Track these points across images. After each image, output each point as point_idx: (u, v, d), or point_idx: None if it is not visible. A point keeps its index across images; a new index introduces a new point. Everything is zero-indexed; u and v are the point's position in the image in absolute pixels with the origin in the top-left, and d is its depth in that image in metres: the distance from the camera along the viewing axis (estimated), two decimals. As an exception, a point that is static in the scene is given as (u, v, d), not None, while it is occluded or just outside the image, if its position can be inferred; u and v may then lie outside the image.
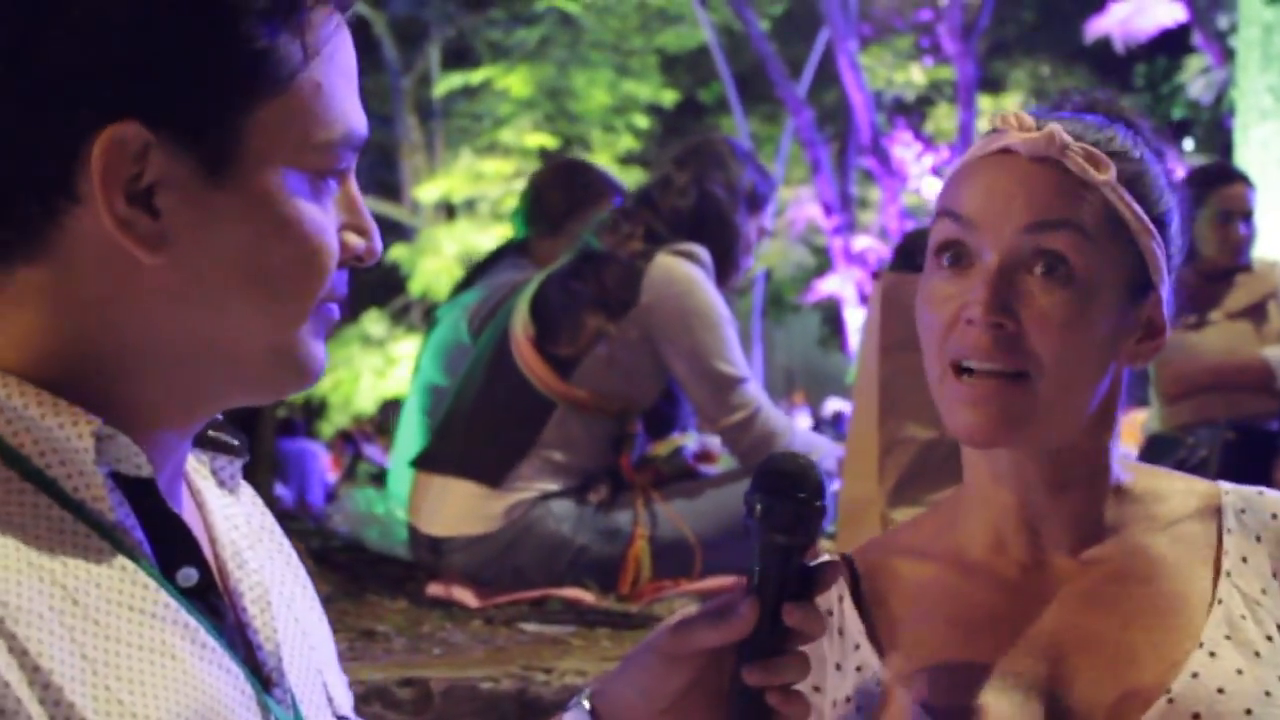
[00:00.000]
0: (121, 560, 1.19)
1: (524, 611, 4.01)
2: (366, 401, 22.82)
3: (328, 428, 22.39)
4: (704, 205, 4.45)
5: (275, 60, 1.21)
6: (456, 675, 3.18)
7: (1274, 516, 1.71)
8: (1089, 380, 1.65)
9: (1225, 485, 1.76)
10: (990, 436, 1.64)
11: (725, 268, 4.49)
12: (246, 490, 1.46)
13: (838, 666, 1.75)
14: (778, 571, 1.47)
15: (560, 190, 5.10)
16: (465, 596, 4.12)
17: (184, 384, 1.25)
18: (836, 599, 1.77)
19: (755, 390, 4.37)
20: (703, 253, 4.38)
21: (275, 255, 1.23)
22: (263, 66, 1.21)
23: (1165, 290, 1.71)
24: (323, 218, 1.26)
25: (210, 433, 1.39)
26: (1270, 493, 1.75)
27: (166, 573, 1.24)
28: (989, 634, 1.68)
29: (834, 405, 18.44)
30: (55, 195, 1.18)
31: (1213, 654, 1.61)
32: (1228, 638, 1.62)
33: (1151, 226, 1.67)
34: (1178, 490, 1.76)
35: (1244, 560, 1.68)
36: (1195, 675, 1.59)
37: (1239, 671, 1.59)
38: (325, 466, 14.13)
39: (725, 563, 4.18)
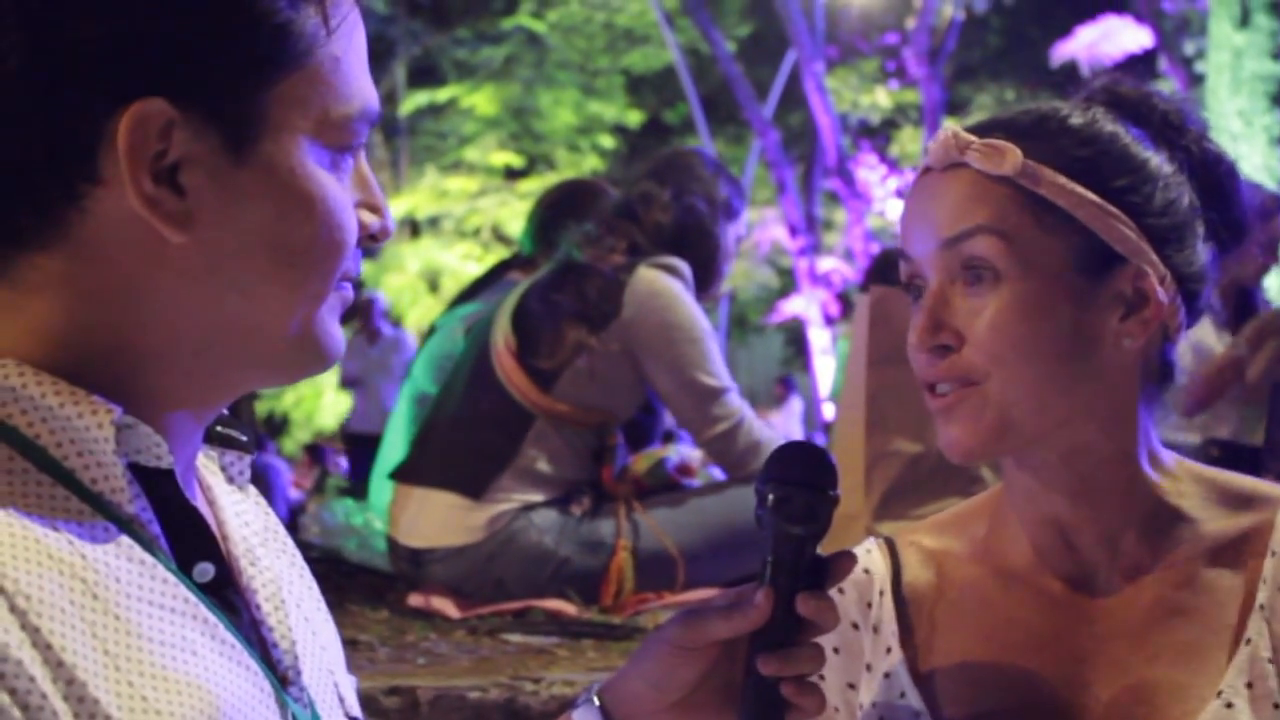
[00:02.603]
0: (140, 554, 1.17)
1: (507, 622, 3.98)
2: (329, 418, 22.75)
3: (290, 444, 22.29)
4: (686, 219, 4.45)
5: (296, 33, 1.19)
6: (443, 685, 3.15)
7: None
8: (1055, 375, 1.60)
9: None
10: (966, 450, 1.62)
11: (707, 278, 4.49)
12: (252, 490, 1.43)
13: (868, 667, 1.72)
14: (791, 562, 1.46)
15: (567, 210, 5.06)
16: (446, 607, 4.09)
17: (204, 367, 1.22)
18: (877, 593, 1.74)
19: (738, 401, 4.36)
20: (683, 266, 4.38)
21: (299, 231, 1.21)
22: (284, 39, 1.19)
23: (1153, 259, 1.63)
24: (342, 193, 1.25)
25: (219, 428, 1.36)
26: None
27: (182, 567, 1.21)
28: (1018, 653, 1.65)
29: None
30: (77, 177, 1.16)
31: (1230, 705, 1.54)
32: (1249, 685, 1.55)
33: (1097, 199, 1.61)
34: (1239, 502, 1.67)
35: None
36: None
37: None
38: (288, 482, 14.10)
39: (708, 575, 4.17)
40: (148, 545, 1.18)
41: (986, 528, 1.75)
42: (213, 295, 1.20)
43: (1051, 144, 1.63)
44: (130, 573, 1.15)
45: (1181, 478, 1.69)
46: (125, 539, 1.16)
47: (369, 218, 1.30)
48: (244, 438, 1.39)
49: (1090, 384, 1.62)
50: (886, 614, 1.73)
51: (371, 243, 1.31)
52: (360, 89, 1.26)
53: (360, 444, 13.17)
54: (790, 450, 1.49)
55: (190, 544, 1.23)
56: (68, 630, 1.09)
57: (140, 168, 1.14)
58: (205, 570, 1.23)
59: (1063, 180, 1.61)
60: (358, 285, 1.33)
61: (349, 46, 1.24)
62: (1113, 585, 1.65)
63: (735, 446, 4.32)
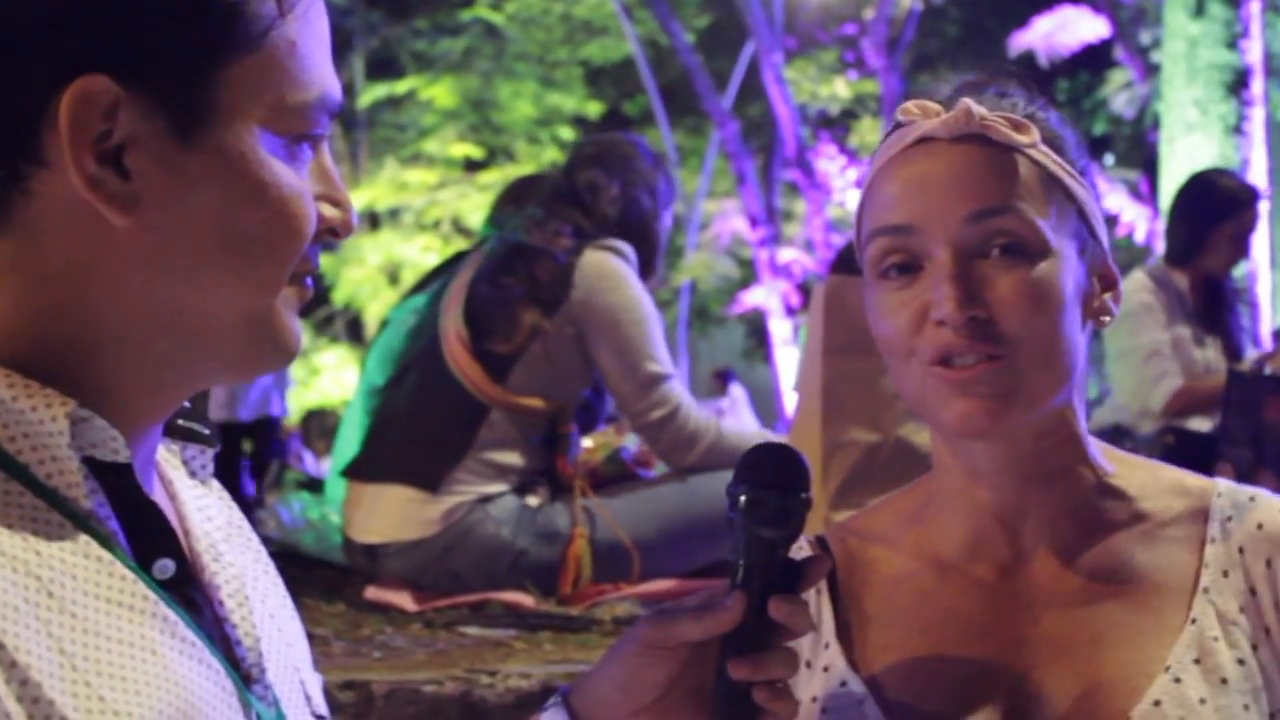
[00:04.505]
0: (97, 550, 1.15)
1: (464, 615, 3.97)
2: (289, 412, 22.65)
3: (248, 438, 22.13)
4: (632, 213, 4.48)
5: (249, 14, 1.17)
6: (398, 678, 3.13)
7: (1259, 527, 1.62)
8: (1064, 348, 1.59)
9: (1221, 485, 1.68)
10: (986, 422, 1.57)
11: (647, 269, 4.51)
12: (216, 485, 1.41)
13: (808, 664, 1.70)
14: (763, 565, 1.44)
15: (518, 199, 5.03)
16: (403, 600, 4.07)
17: (157, 360, 1.20)
18: (814, 591, 1.72)
19: (677, 388, 4.36)
20: (627, 249, 4.39)
21: (249, 219, 1.19)
22: (236, 20, 1.16)
23: (1105, 241, 1.67)
24: (298, 182, 1.22)
25: (180, 421, 1.34)
26: (1263, 498, 1.66)
27: (142, 564, 1.19)
28: (958, 643, 1.64)
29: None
30: (20, 159, 1.14)
31: (1178, 680, 1.55)
32: (1196, 661, 1.56)
33: (1084, 180, 1.64)
34: (1167, 487, 1.69)
35: (1224, 575, 1.61)
36: (1157, 703, 1.54)
37: (1201, 700, 1.54)
38: (247, 476, 14.04)
39: (664, 566, 4.18)
40: (105, 541, 1.16)
41: (918, 519, 1.74)
42: (160, 282, 1.17)
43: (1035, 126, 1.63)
44: (87, 570, 1.14)
45: (1112, 461, 1.70)
46: (81, 535, 1.15)
47: (330, 211, 1.27)
48: (206, 431, 1.37)
49: (1078, 358, 1.62)
50: (825, 611, 1.72)
51: (333, 237, 1.28)
52: (319, 76, 1.23)
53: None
54: (762, 452, 1.47)
55: (150, 540, 1.21)
56: (21, 630, 1.07)
57: (83, 146, 1.12)
58: (165, 567, 1.21)
59: (1059, 158, 1.62)
60: (317, 280, 1.30)
61: (307, 31, 1.22)
62: (1048, 568, 1.65)
63: (665, 435, 4.32)
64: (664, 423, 4.31)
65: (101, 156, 1.13)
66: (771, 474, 1.45)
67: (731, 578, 1.44)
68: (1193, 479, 1.70)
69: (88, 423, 1.16)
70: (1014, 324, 1.56)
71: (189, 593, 1.23)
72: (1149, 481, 1.69)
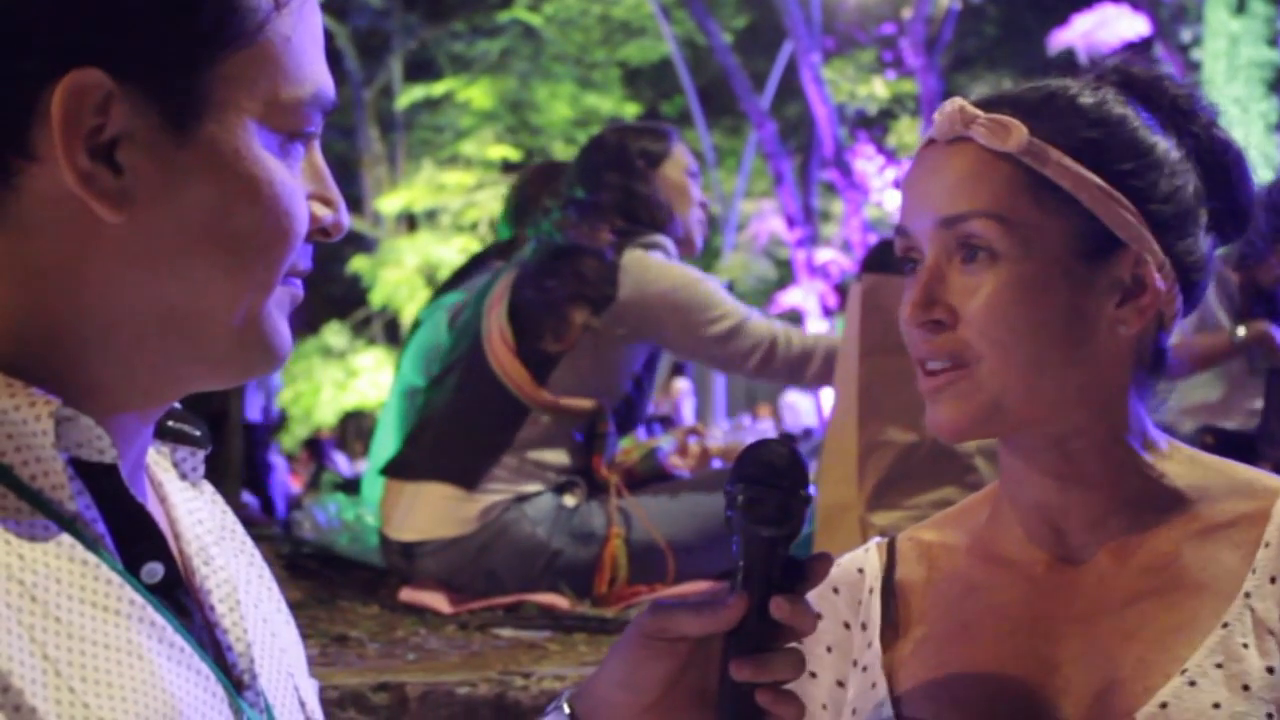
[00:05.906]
0: (83, 554, 1.12)
1: (498, 617, 3.98)
2: (327, 414, 22.75)
3: (288, 440, 22.26)
4: (604, 190, 4.44)
5: (243, 8, 1.15)
6: (432, 680, 3.13)
7: None
8: (1048, 359, 1.57)
9: None
10: (953, 429, 1.60)
11: (658, 227, 4.47)
12: (207, 487, 1.38)
13: (855, 663, 1.69)
14: (763, 565, 1.41)
15: (541, 191, 5.03)
16: (438, 602, 4.08)
17: (146, 360, 1.17)
18: (867, 591, 1.72)
19: (760, 322, 4.40)
20: (667, 242, 4.41)
21: (243, 216, 1.16)
22: (230, 13, 1.14)
23: (1153, 247, 1.60)
24: (291, 180, 1.19)
25: (171, 423, 1.31)
26: None
27: (130, 567, 1.16)
28: (995, 638, 1.63)
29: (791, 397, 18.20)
30: (10, 153, 1.11)
31: (1193, 683, 1.51)
32: (1219, 666, 1.52)
33: (1101, 182, 1.57)
34: (1235, 488, 1.64)
35: (1271, 580, 1.56)
36: (1164, 705, 1.50)
37: (1215, 705, 1.50)
38: (286, 477, 14.12)
39: (700, 567, 4.15)
40: (91, 545, 1.13)
41: (984, 518, 1.73)
42: (151, 280, 1.15)
43: (1059, 123, 1.60)
44: (72, 574, 1.11)
45: (1177, 461, 1.66)
46: (66, 538, 1.12)
47: (322, 211, 1.24)
48: (197, 433, 1.34)
49: (1082, 369, 1.59)
50: (874, 610, 1.71)
51: (324, 237, 1.26)
52: (313, 72, 1.21)
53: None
54: (760, 449, 1.44)
55: (138, 543, 1.18)
56: (3, 635, 1.04)
57: (75, 141, 1.10)
58: (154, 571, 1.19)
59: (1067, 161, 1.57)
60: (323, 279, 1.27)
61: (302, 27, 1.20)
62: (1098, 566, 1.63)
63: (777, 366, 4.38)
64: (768, 358, 4.37)
65: (94, 151, 1.11)
66: (769, 472, 1.42)
67: (733, 578, 1.42)
68: (1267, 480, 1.65)
69: (73, 422, 1.13)
70: (974, 335, 1.57)
71: (179, 597, 1.21)
72: (1216, 482, 1.65)
